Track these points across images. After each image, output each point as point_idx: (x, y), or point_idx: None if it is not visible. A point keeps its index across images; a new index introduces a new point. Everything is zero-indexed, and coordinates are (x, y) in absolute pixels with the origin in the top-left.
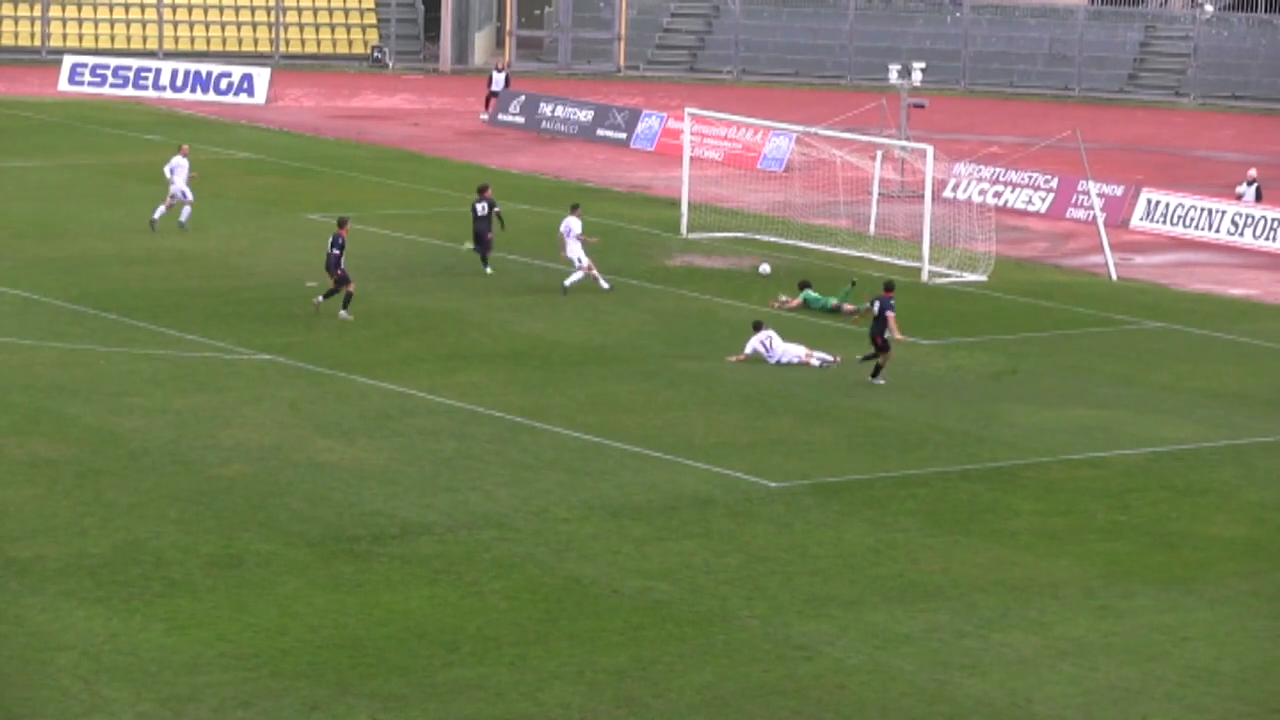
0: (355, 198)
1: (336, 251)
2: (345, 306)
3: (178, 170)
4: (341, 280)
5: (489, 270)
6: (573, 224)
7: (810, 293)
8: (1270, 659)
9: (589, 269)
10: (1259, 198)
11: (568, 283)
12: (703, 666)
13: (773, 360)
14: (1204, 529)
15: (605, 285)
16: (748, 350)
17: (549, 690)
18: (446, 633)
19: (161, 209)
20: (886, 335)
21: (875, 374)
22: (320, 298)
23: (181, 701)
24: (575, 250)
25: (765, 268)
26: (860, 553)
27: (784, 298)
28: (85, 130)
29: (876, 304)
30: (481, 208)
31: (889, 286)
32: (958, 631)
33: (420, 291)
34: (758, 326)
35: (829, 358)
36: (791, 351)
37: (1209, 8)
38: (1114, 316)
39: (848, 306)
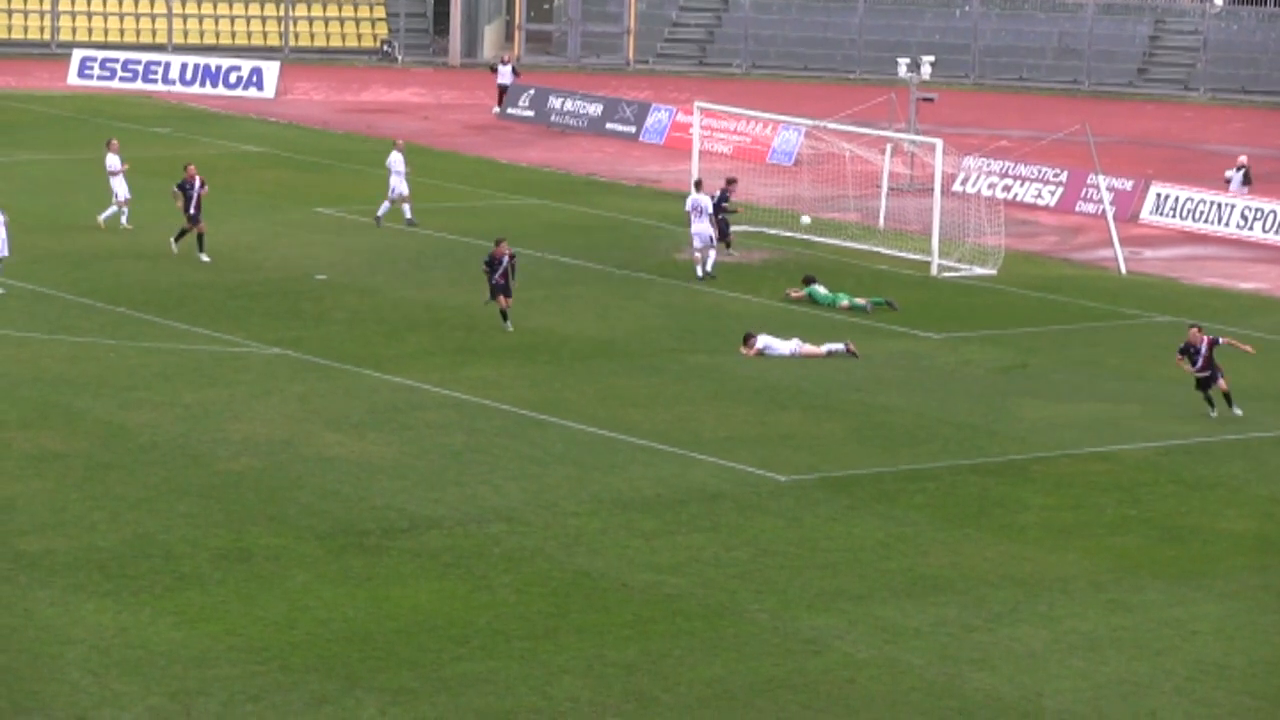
0: (364, 192)
1: (498, 274)
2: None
3: (395, 165)
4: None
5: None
6: (703, 201)
7: (817, 289)
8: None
9: (704, 249)
10: (1247, 182)
11: (710, 266)
12: (712, 660)
13: (787, 353)
14: (1213, 523)
15: (709, 270)
16: (758, 345)
17: (558, 684)
18: (456, 626)
19: (385, 205)
20: (1212, 365)
21: (1230, 403)
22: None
23: (191, 695)
24: (704, 228)
25: (805, 219)
26: (869, 547)
27: (791, 291)
28: (94, 124)
29: (1200, 348)
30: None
31: (1198, 327)
32: (967, 625)
33: (430, 286)
34: (748, 338)
35: (838, 346)
36: (795, 345)
37: (1218, 1)
38: (1124, 310)
39: (859, 300)
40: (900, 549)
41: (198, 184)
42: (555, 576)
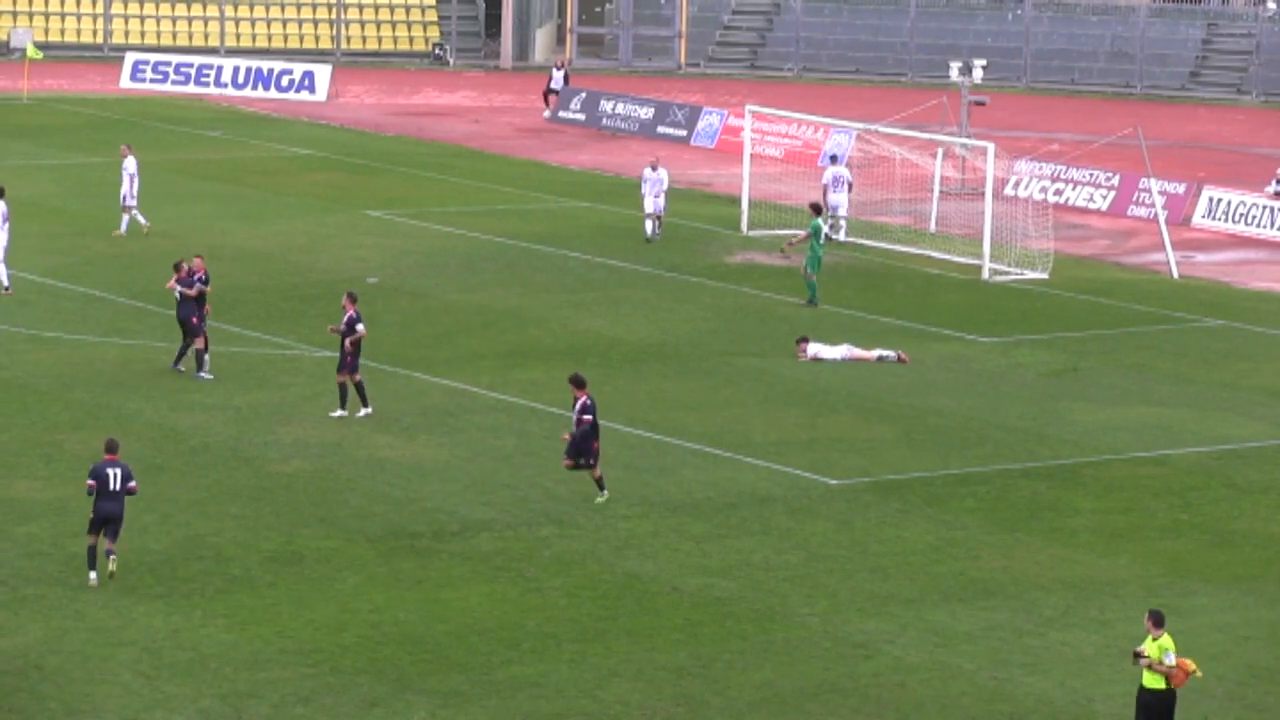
0: (416, 195)
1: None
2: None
3: (651, 183)
4: None
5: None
6: (844, 174)
7: (818, 223)
8: None
9: (838, 218)
10: None
11: (843, 236)
12: (762, 664)
13: (838, 358)
14: (1265, 528)
15: (842, 238)
16: (810, 353)
17: (608, 687)
18: (506, 630)
19: (650, 225)
20: None
21: None
22: None
23: (242, 697)
24: (841, 199)
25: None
26: (920, 550)
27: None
28: (147, 127)
29: None
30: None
31: None
32: (1018, 630)
33: (480, 289)
34: (803, 340)
35: (890, 354)
36: (845, 350)
37: (1271, 5)
38: (1175, 314)
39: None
40: (951, 553)
41: None
42: (606, 580)
